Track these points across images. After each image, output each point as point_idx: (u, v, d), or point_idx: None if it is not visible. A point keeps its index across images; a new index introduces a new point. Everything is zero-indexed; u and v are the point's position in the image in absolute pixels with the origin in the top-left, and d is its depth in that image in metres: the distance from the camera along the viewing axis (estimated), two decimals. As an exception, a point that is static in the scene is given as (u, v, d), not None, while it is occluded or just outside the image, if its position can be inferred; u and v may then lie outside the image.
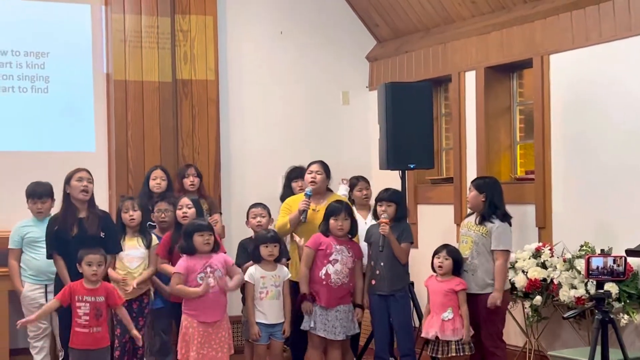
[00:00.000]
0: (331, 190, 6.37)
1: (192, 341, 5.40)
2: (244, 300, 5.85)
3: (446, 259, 5.70)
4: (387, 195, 5.89)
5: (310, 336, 5.78)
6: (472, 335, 5.65)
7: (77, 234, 5.60)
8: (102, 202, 7.07)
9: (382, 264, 5.81)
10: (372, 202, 6.53)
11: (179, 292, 5.49)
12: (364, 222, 6.36)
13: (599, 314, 4.55)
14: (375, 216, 5.92)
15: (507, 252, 5.72)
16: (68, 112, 7.29)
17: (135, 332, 5.45)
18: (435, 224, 6.37)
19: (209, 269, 5.48)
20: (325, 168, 6.23)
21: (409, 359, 5.84)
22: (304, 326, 5.75)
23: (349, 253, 5.80)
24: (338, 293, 5.76)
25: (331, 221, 5.78)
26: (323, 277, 5.73)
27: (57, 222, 5.64)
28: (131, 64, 7.28)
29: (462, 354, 5.58)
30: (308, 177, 6.20)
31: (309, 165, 6.29)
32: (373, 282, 5.87)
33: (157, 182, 6.57)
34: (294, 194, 6.64)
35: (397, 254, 5.78)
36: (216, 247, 5.57)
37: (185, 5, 7.48)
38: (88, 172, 5.78)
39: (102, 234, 5.66)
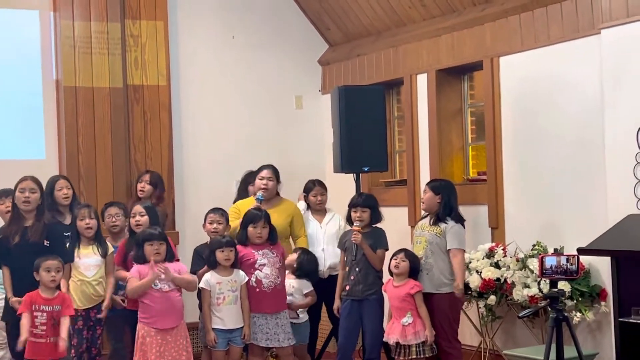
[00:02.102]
0: (279, 195, 6.38)
1: (150, 350, 5.35)
2: (200, 306, 5.81)
3: (403, 261, 5.73)
4: (362, 201, 5.89)
5: (250, 345, 5.75)
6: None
7: (18, 242, 5.47)
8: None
9: (357, 269, 5.82)
10: (327, 206, 6.57)
11: (136, 289, 5.43)
12: (319, 227, 6.40)
13: (553, 312, 4.61)
14: (350, 222, 5.91)
15: (462, 250, 5.79)
16: (17, 119, 7.17)
17: (62, 343, 5.22)
18: (390, 226, 6.41)
19: (163, 275, 5.43)
20: (276, 173, 6.27)
21: (373, 363, 5.86)
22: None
23: (274, 254, 5.77)
24: (275, 297, 5.73)
25: (250, 229, 5.73)
26: (254, 284, 5.68)
27: (1, 231, 5.55)
28: (81, 70, 7.18)
29: (422, 356, 5.61)
30: (260, 182, 6.22)
31: (260, 170, 6.29)
32: (347, 287, 5.88)
33: (64, 192, 6.25)
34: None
35: (371, 262, 5.79)
36: (169, 256, 5.54)
37: (135, 10, 7.41)
38: (34, 180, 5.59)
39: (46, 242, 5.52)
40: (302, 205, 6.55)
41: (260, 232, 5.73)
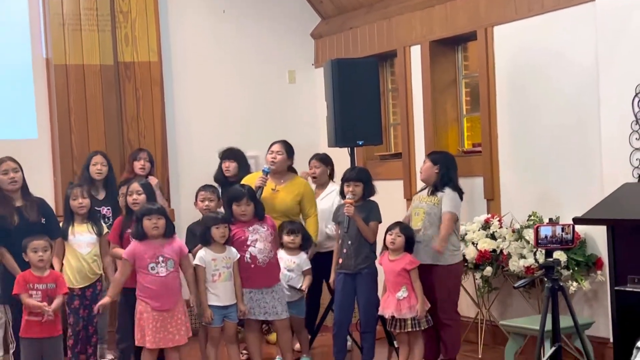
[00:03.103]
0: (294, 171, 6.33)
1: (147, 326, 5.35)
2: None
3: (399, 236, 5.68)
4: (354, 175, 5.85)
5: (247, 320, 5.75)
6: (428, 309, 5.66)
7: (19, 223, 5.52)
8: (47, 189, 6.97)
9: (349, 242, 5.79)
10: (334, 181, 6.58)
11: (114, 282, 5.47)
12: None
13: (549, 282, 4.59)
14: (343, 196, 5.88)
15: (454, 214, 5.69)
16: (8, 98, 7.11)
17: (47, 312, 5.22)
18: (385, 200, 6.39)
19: (160, 258, 5.41)
20: (287, 148, 6.21)
21: (369, 336, 5.85)
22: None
23: (264, 228, 5.74)
24: (270, 271, 5.72)
25: (234, 207, 5.69)
26: (249, 260, 5.66)
27: None
28: (71, 48, 7.12)
29: (418, 328, 5.61)
30: (269, 156, 6.19)
31: (271, 145, 6.25)
32: (340, 260, 5.86)
33: (98, 168, 6.45)
34: (223, 174, 6.69)
35: (364, 234, 5.75)
36: (168, 232, 5.49)
37: (125, -14, 7.34)
38: (12, 160, 5.66)
39: (43, 220, 5.59)
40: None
41: (244, 209, 5.68)
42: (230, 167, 6.70)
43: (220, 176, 6.76)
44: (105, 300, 5.45)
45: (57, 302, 5.30)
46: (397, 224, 5.77)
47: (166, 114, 7.51)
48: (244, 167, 6.73)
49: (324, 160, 6.61)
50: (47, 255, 5.30)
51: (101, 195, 6.43)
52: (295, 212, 6.19)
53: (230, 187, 6.06)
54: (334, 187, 6.52)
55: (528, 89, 6.19)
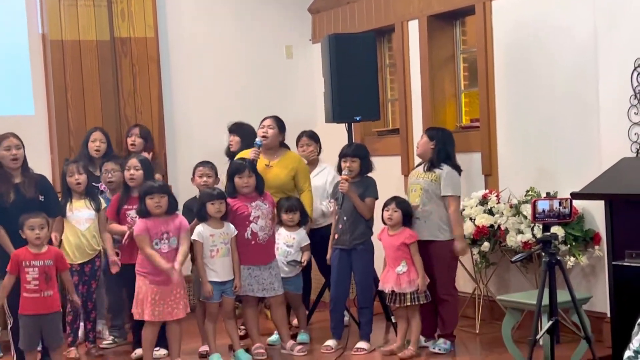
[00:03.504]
0: (286, 147, 6.31)
1: (146, 299, 5.38)
2: (193, 259, 5.80)
3: (395, 211, 5.68)
4: (351, 151, 5.84)
5: (245, 297, 5.76)
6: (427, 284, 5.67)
7: (15, 199, 5.50)
8: (45, 165, 6.95)
9: (344, 218, 5.79)
10: (321, 158, 6.55)
11: (150, 257, 5.38)
12: None
13: (546, 256, 4.59)
14: (340, 172, 5.87)
15: (458, 197, 5.71)
16: (4, 75, 7.08)
17: (75, 297, 5.49)
18: (383, 176, 6.39)
19: (165, 235, 5.42)
20: (279, 123, 6.19)
21: (367, 311, 5.87)
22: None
23: (265, 204, 5.77)
24: (269, 248, 5.76)
25: (236, 179, 5.71)
26: (250, 237, 5.68)
27: None
28: (67, 23, 7.08)
29: (416, 302, 5.62)
30: (260, 131, 6.17)
31: (263, 119, 6.23)
32: (336, 236, 5.86)
33: (97, 144, 6.45)
34: (229, 146, 6.69)
35: (360, 210, 5.75)
36: (171, 209, 5.50)
37: (120, -40, 7.29)
38: (15, 136, 5.62)
39: (41, 197, 5.56)
40: None
41: (246, 181, 5.70)
42: (233, 141, 6.67)
43: (227, 151, 6.74)
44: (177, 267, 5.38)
45: (66, 279, 5.39)
46: (393, 199, 5.76)
47: (163, 89, 7.48)
48: (246, 142, 6.70)
49: (314, 137, 6.59)
50: (44, 232, 5.28)
51: (99, 172, 6.42)
52: (290, 187, 6.18)
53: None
54: (325, 164, 6.51)
55: (526, 63, 6.16)
